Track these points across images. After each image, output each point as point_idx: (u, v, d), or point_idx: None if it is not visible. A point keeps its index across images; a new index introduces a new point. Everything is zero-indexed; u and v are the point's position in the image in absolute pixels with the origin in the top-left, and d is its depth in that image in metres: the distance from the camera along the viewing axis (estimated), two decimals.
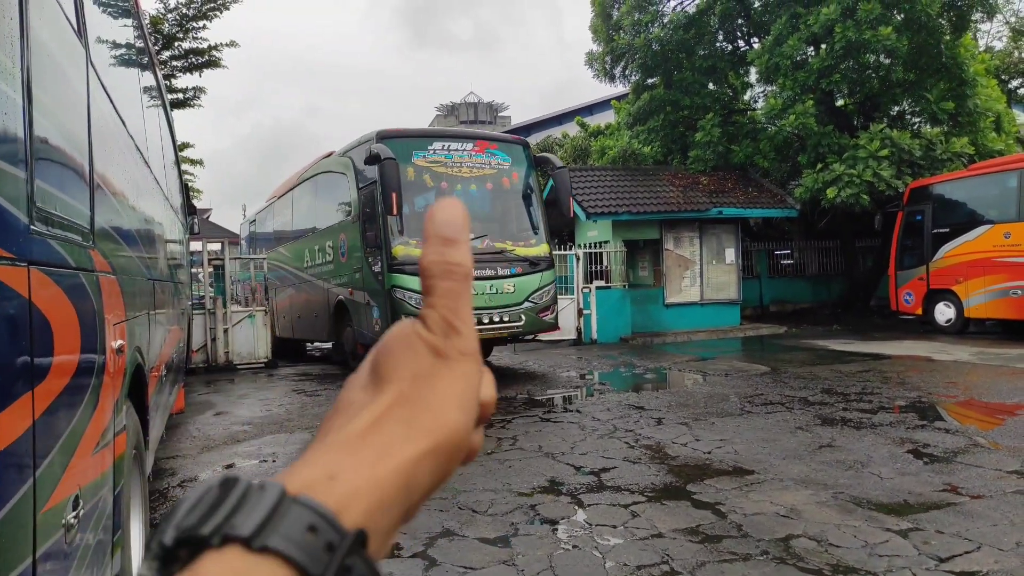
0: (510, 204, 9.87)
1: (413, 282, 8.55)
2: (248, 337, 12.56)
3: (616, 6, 18.94)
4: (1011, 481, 4.60)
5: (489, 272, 9.01)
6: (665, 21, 17.98)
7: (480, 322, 8.52)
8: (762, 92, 19.74)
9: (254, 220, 17.19)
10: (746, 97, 20.63)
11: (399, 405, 0.38)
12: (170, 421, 6.49)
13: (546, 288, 9.54)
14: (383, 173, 8.27)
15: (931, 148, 15.05)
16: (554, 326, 9.83)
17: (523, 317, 9.22)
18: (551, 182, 10.73)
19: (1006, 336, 12.84)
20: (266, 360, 12.55)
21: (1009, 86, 22.88)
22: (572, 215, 10.95)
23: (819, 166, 15.39)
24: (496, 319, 8.95)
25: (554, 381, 9.64)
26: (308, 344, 15.37)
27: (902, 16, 14.59)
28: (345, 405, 0.40)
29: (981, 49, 19.73)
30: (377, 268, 9.02)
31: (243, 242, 18.63)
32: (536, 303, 9.37)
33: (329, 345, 12.82)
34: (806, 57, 15.85)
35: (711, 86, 19.20)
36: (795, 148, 16.65)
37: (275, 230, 14.99)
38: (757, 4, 17.86)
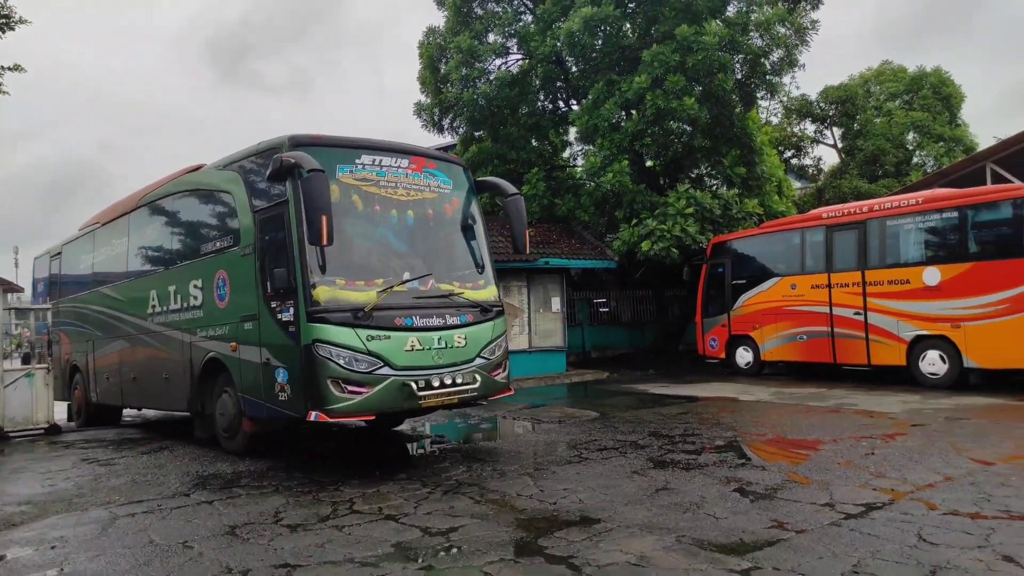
0: (453, 236, 8.01)
1: (343, 335, 6.58)
2: (25, 400, 10.83)
3: (444, 60, 19.34)
4: (826, 514, 4.98)
5: (436, 321, 7.16)
6: (491, 78, 18.62)
7: (429, 386, 6.87)
8: (581, 150, 20.98)
9: (59, 254, 13.25)
10: (566, 155, 21.82)
11: None
12: None
13: (498, 340, 7.77)
14: (310, 190, 6.29)
15: (728, 208, 16.73)
16: (507, 387, 7.91)
17: (477, 377, 7.33)
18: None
19: (795, 377, 14.33)
20: (47, 426, 10.89)
21: (784, 156, 26.22)
22: (527, 251, 8.92)
23: (634, 221, 16.51)
24: (448, 381, 7.05)
25: (385, 435, 9.23)
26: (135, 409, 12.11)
27: (701, 89, 16.23)
28: None
29: (763, 123, 22.43)
30: (287, 316, 6.84)
31: (39, 284, 14.58)
32: (489, 359, 7.55)
33: (184, 414, 9.42)
34: (620, 120, 17.09)
35: (534, 142, 20.09)
36: (612, 204, 17.75)
37: (96, 267, 11.59)
38: (575, 69, 19.06)
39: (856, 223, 12.80)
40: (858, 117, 26.28)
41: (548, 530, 4.79)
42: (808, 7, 17.73)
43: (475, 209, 8.22)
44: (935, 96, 25.69)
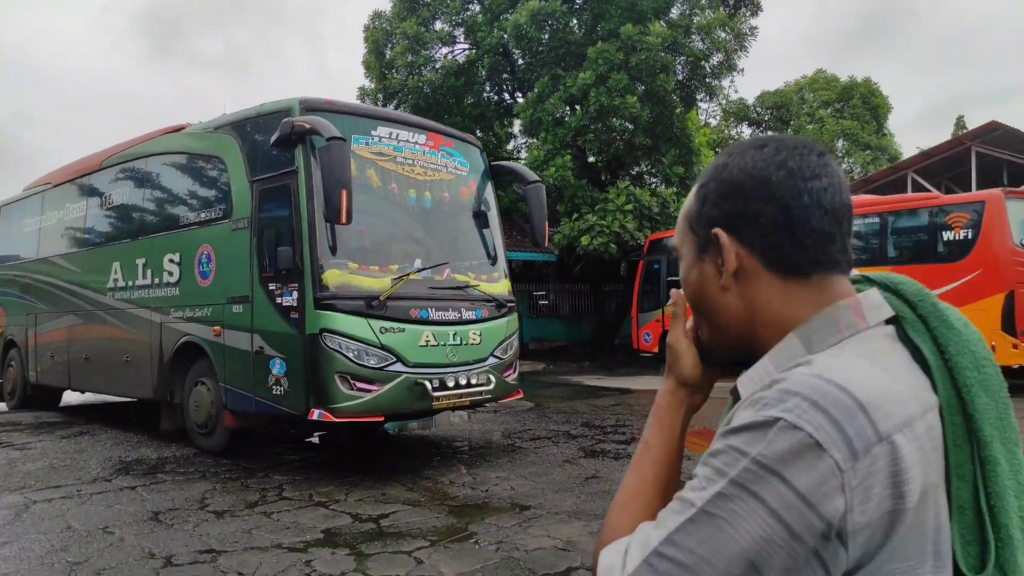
0: (469, 223, 7.34)
1: (355, 325, 5.89)
2: None
3: (390, 45, 19.13)
4: None
5: (452, 315, 6.50)
6: (437, 66, 18.51)
7: (444, 386, 6.23)
8: (525, 143, 21.09)
9: None
10: (510, 147, 21.89)
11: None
12: None
13: (511, 339, 7.16)
14: (330, 160, 5.63)
15: (666, 206, 17.11)
16: (518, 389, 7.41)
17: (492, 379, 6.72)
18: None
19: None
20: None
21: None
22: (547, 243, 8.10)
23: (575, 216, 16.72)
24: (463, 381, 6.42)
25: (320, 425, 9.13)
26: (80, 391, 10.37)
27: (644, 88, 16.53)
28: None
29: (702, 124, 23.01)
30: (288, 300, 6.09)
31: None
32: (501, 359, 6.93)
33: (131, 399, 8.92)
34: (564, 115, 17.25)
35: (479, 133, 20.06)
36: (554, 198, 17.90)
37: (45, 232, 10.40)
38: (521, 62, 19.13)
39: None
40: (792, 123, 27.21)
41: (479, 517, 4.85)
42: (748, 13, 18.25)
43: (490, 195, 7.60)
44: (864, 106, 26.83)
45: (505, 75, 19.74)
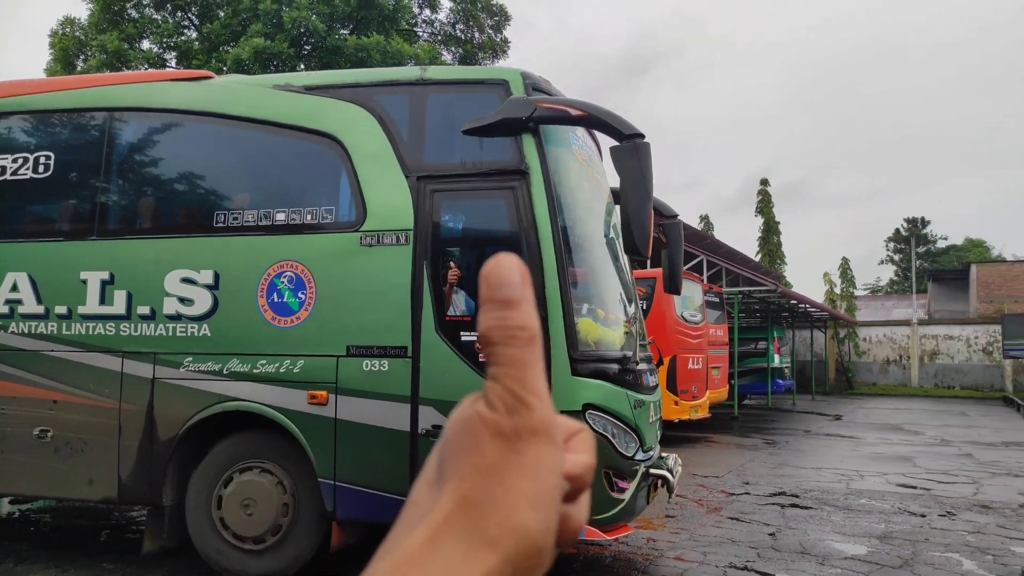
0: (621, 251, 5.64)
1: (618, 399, 4.26)
2: None
3: (83, 57, 16.96)
4: None
5: (653, 380, 5.03)
6: None
7: (665, 479, 4.72)
8: None
9: None
10: None
11: (459, 511, 0.33)
12: None
13: None
14: (641, 169, 4.04)
15: None
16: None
17: (677, 460, 5.33)
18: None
19: None
20: None
21: None
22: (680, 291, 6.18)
23: None
24: (674, 467, 5.06)
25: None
26: None
27: None
28: (409, 506, 0.36)
29: None
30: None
31: None
32: (658, 420, 5.34)
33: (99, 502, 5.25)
34: None
35: None
36: None
37: None
38: None
39: None
40: None
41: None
42: None
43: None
44: None
45: None
